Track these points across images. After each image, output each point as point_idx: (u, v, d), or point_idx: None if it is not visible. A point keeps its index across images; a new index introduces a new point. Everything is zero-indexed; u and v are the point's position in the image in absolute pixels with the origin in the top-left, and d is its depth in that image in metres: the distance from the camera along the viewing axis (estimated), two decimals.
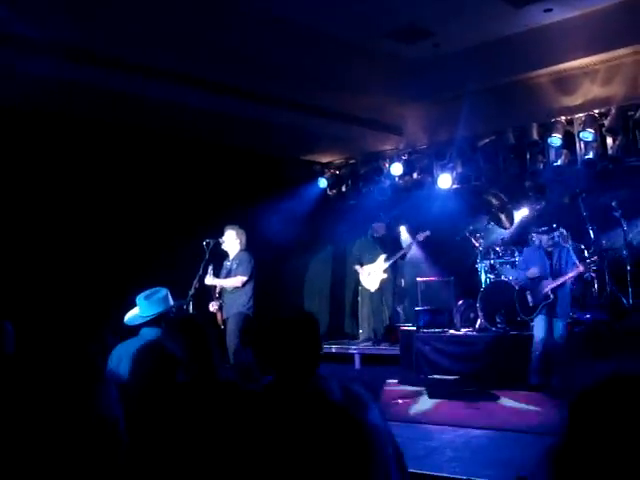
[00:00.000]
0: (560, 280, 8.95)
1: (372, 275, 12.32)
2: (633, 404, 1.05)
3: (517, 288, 9.52)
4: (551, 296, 8.96)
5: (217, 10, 9.08)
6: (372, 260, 12.38)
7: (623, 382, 1.10)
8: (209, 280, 9.11)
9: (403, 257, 12.32)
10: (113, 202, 10.43)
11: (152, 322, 5.28)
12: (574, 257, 9.11)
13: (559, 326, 8.93)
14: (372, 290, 12.38)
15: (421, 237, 11.91)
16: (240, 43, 9.63)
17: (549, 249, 9.09)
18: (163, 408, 3.10)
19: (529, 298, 9.21)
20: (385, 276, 12.27)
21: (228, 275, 9.34)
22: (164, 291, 5.76)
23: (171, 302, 5.75)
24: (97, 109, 9.76)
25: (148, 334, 4.99)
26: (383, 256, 12.23)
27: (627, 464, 1.00)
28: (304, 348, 2.98)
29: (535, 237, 9.36)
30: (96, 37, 8.54)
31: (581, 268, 8.98)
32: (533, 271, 9.12)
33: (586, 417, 1.10)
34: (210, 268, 9.06)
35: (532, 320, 9.19)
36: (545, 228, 9.10)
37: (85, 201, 10.15)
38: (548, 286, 8.98)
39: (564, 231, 9.83)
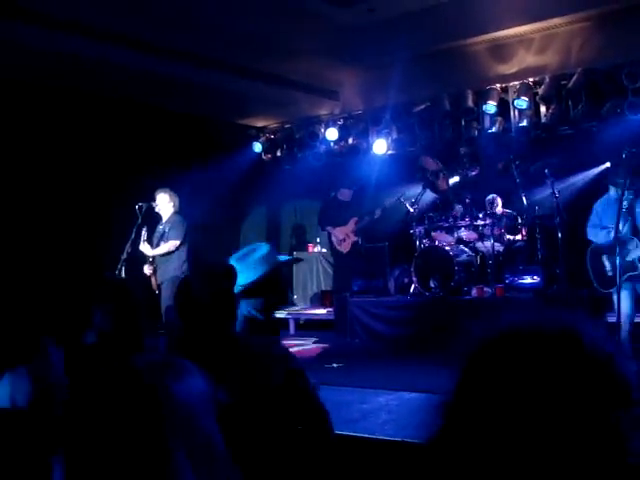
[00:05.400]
0: None
1: (345, 238, 12.17)
2: (526, 359, 1.06)
3: (590, 251, 7.22)
4: (639, 265, 6.81)
5: None
6: (341, 223, 12.17)
7: (519, 336, 1.11)
8: (146, 250, 9.00)
9: (373, 220, 12.01)
10: (44, 165, 10.10)
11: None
12: None
13: None
14: (344, 252, 12.20)
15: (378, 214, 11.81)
16: (175, 3, 9.40)
17: (628, 202, 6.78)
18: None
19: (606, 265, 7.03)
20: (356, 239, 12.18)
21: (161, 238, 9.22)
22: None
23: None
24: (23, 68, 9.45)
25: None
26: (354, 219, 12.12)
27: (518, 419, 1.02)
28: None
29: (612, 188, 7.05)
30: None
31: None
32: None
33: (480, 371, 1.10)
34: (144, 231, 8.92)
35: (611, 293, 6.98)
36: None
37: (14, 164, 9.82)
38: (634, 252, 6.81)
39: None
